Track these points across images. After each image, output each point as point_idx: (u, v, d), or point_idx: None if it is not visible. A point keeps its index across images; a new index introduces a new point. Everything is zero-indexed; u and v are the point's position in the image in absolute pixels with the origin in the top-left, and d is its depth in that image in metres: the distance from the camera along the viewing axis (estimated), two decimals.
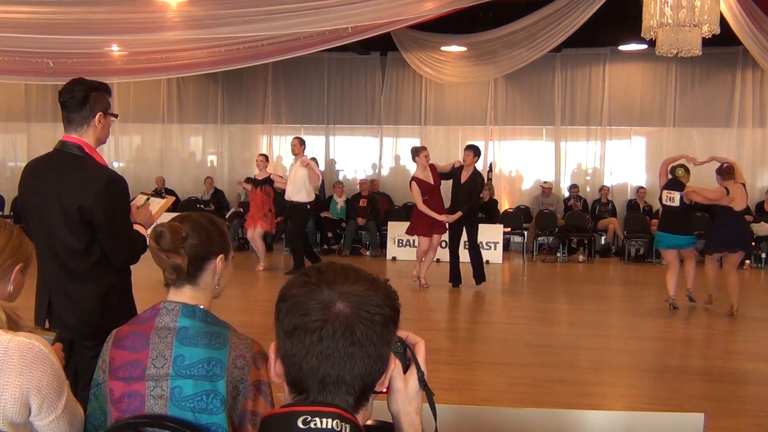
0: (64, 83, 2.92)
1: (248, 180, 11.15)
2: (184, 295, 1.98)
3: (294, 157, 10.02)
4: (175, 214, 2.15)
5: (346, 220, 12.64)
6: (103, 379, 1.94)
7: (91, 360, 2.80)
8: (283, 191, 10.16)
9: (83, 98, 2.86)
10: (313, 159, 10.52)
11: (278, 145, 14.60)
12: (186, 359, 1.85)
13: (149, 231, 1.96)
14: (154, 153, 14.81)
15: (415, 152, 8.81)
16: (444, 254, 9.68)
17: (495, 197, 13.20)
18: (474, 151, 8.83)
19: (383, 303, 1.22)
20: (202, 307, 1.97)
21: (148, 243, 1.94)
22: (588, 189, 13.56)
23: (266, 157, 10.48)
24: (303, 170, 9.69)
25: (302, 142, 10.00)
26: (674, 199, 7.63)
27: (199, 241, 1.97)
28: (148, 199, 3.21)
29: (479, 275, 9.01)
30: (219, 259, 2.02)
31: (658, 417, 2.77)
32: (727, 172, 7.59)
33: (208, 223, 2.03)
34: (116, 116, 3.03)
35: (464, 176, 8.74)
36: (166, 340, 1.88)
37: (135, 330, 1.94)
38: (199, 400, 1.83)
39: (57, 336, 1.91)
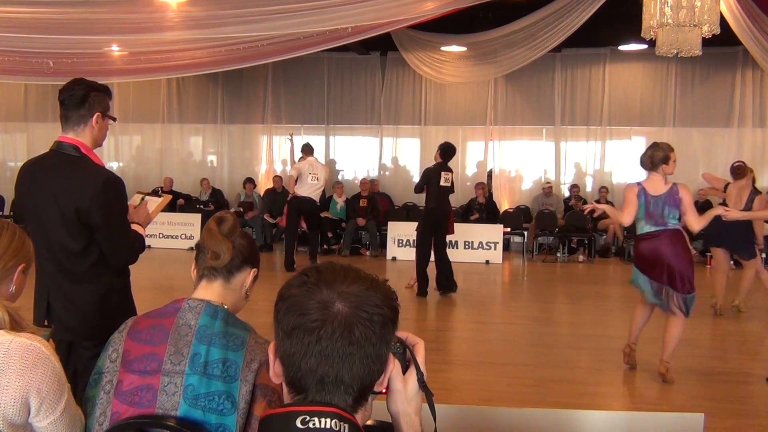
0: (64, 83, 2.91)
1: None
2: (214, 290, 2.03)
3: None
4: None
5: (345, 220, 12.64)
6: (110, 369, 1.93)
7: (90, 360, 2.80)
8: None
9: (83, 97, 2.85)
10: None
11: (278, 146, 14.61)
12: (202, 357, 1.88)
13: (206, 236, 2.06)
14: (154, 153, 14.82)
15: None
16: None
17: (494, 198, 13.24)
18: (438, 149, 8.64)
19: (382, 303, 1.22)
20: (225, 307, 2.01)
21: (209, 226, 2.05)
22: (588, 189, 13.56)
23: None
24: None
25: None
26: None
27: (246, 243, 2.09)
28: (143, 198, 3.21)
29: (443, 283, 8.50)
30: (252, 272, 2.12)
31: (658, 417, 2.77)
32: (734, 171, 7.65)
33: (250, 238, 2.19)
34: (114, 119, 3.01)
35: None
36: (186, 338, 1.91)
37: (155, 323, 1.96)
38: (211, 399, 1.85)
39: (51, 332, 1.91)
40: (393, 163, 14.33)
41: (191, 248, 10.78)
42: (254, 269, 2.12)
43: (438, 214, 8.42)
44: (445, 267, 8.45)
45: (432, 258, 8.48)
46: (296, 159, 10.71)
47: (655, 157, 5.22)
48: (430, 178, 8.41)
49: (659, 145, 5.33)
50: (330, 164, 14.34)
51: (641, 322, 5.56)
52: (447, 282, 8.48)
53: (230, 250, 2.02)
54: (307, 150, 10.54)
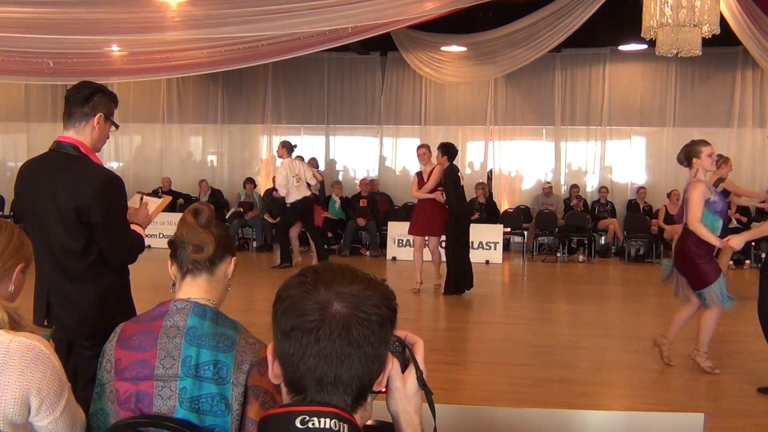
0: (65, 83, 2.92)
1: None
2: (200, 286, 1.99)
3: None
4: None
5: (344, 219, 12.64)
6: (108, 379, 1.93)
7: (90, 360, 2.80)
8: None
9: (88, 95, 2.86)
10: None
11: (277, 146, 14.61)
12: (194, 360, 1.86)
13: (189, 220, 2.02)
14: (154, 153, 14.82)
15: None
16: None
17: (494, 198, 13.23)
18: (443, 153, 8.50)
19: (380, 303, 1.22)
20: (213, 305, 1.98)
21: (186, 219, 2.00)
22: (588, 189, 13.57)
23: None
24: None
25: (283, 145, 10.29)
26: None
27: (222, 232, 2.06)
28: (142, 198, 3.21)
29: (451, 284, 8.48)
30: (233, 260, 2.08)
31: (658, 417, 2.77)
32: None
33: (225, 227, 2.17)
34: (117, 126, 3.01)
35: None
36: (175, 340, 1.89)
37: (142, 328, 1.94)
38: (205, 401, 1.84)
39: (52, 332, 1.91)
40: (393, 163, 14.33)
41: None
42: (234, 257, 2.09)
43: (465, 212, 8.63)
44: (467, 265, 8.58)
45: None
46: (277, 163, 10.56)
47: (689, 153, 5.36)
48: (453, 179, 8.36)
49: (694, 141, 5.49)
50: (330, 164, 14.36)
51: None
52: (467, 281, 8.59)
53: (213, 241, 1.97)
54: (288, 148, 10.13)
